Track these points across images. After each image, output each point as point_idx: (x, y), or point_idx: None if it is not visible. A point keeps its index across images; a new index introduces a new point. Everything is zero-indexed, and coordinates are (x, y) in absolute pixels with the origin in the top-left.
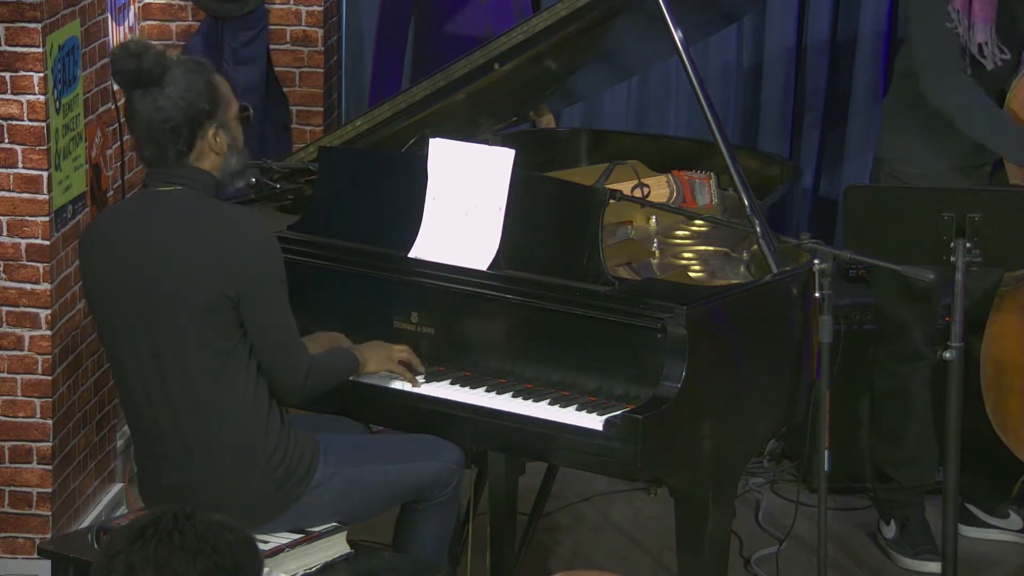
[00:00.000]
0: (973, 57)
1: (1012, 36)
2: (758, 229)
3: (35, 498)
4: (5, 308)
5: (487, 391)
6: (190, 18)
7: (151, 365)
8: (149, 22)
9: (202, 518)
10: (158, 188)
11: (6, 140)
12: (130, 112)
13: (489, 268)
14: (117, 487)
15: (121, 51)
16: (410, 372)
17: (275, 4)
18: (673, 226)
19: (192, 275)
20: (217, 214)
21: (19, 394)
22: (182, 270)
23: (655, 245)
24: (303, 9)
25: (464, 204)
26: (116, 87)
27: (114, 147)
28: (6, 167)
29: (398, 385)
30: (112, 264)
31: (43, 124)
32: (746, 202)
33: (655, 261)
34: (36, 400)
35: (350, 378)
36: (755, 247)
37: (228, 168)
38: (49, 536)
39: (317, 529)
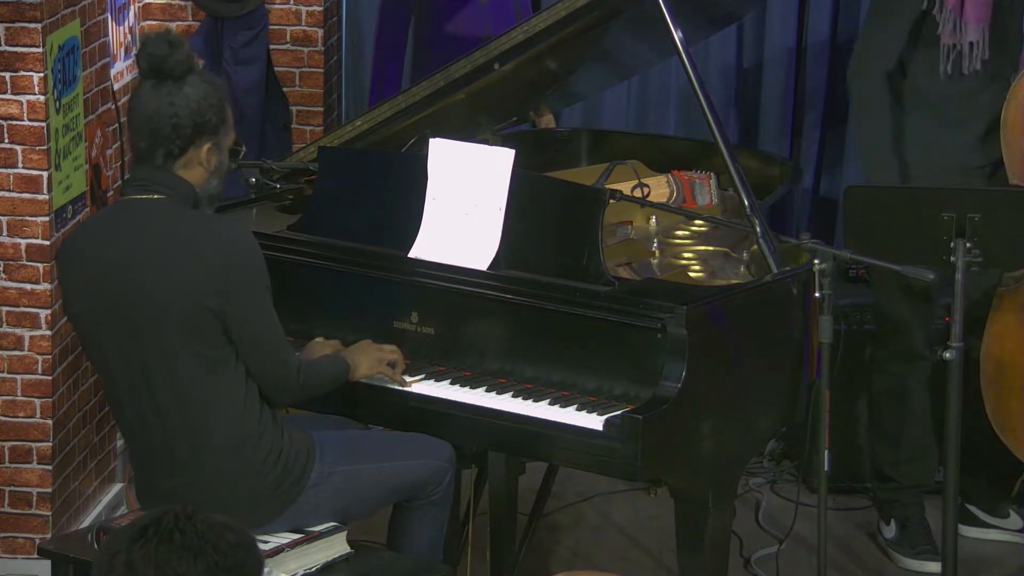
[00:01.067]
0: (959, 59)
1: (1003, 42)
2: (758, 229)
3: (35, 498)
4: (5, 308)
5: (487, 391)
6: (190, 18)
7: (139, 375)
8: (149, 22)
9: (203, 518)
10: (136, 197)
11: (6, 140)
12: (137, 99)
13: (489, 268)
14: (117, 487)
15: (157, 36)
16: (399, 374)
17: (275, 4)
18: (673, 226)
19: (173, 286)
20: (196, 223)
21: (19, 394)
22: (163, 281)
23: (655, 245)
24: (303, 9)
25: (464, 204)
26: (116, 87)
27: (114, 147)
28: (6, 167)
29: (398, 386)
30: (94, 276)
31: (43, 124)
32: (746, 202)
33: (655, 261)
34: (36, 400)
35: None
36: (755, 247)
37: (208, 188)
38: (49, 536)
39: (317, 529)
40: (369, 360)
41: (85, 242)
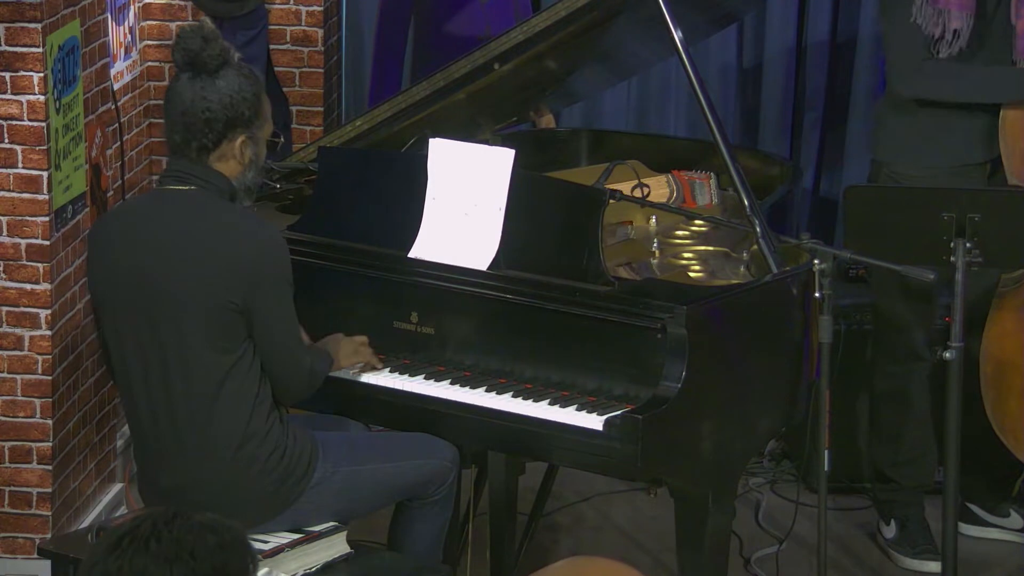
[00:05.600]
0: (947, 44)
1: (991, 32)
2: (758, 229)
3: (35, 498)
4: (5, 308)
5: (487, 391)
6: (190, 18)
7: (154, 363)
8: (149, 22)
9: (182, 522)
10: (171, 187)
11: (6, 140)
12: (172, 93)
13: (489, 268)
14: (117, 487)
15: (193, 29)
16: (374, 357)
17: (275, 4)
18: (673, 226)
19: (198, 279)
20: (226, 218)
21: (19, 394)
22: (188, 273)
23: (655, 245)
24: (303, 9)
25: (464, 204)
26: (116, 87)
27: (114, 147)
28: (6, 167)
29: (398, 384)
30: (119, 261)
31: (43, 124)
32: (746, 202)
33: (655, 261)
34: (36, 400)
35: (344, 377)
36: (755, 247)
37: (243, 181)
38: (49, 536)
39: (317, 529)
40: (345, 351)
41: (115, 226)
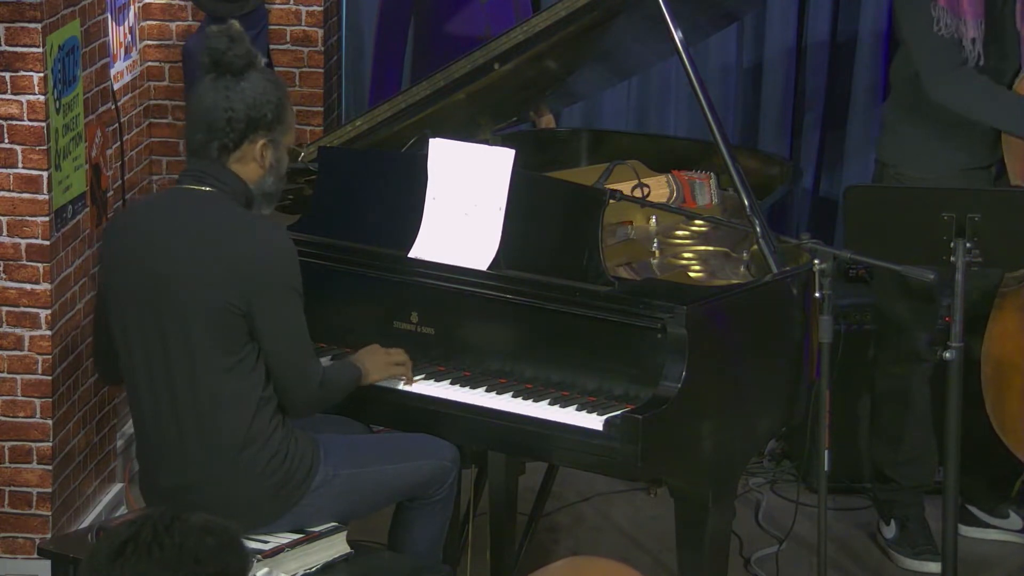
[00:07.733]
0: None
1: (1001, 37)
2: (758, 229)
3: (35, 498)
4: (5, 308)
5: (487, 391)
6: (190, 18)
7: (159, 361)
8: (149, 22)
9: (182, 526)
10: (187, 187)
11: (6, 140)
12: (196, 93)
13: (489, 268)
14: (117, 487)
15: (220, 30)
16: (410, 375)
17: (275, 4)
18: (673, 226)
19: (203, 280)
20: (238, 222)
21: (19, 394)
22: (193, 272)
23: (655, 245)
24: (303, 9)
25: (464, 204)
26: (116, 87)
27: (114, 147)
28: (6, 167)
29: (398, 385)
30: (130, 256)
31: (43, 124)
32: (746, 202)
33: (655, 261)
34: (36, 400)
35: None
36: (755, 247)
37: (263, 186)
38: (49, 536)
39: (317, 529)
40: (378, 364)
41: (130, 222)
